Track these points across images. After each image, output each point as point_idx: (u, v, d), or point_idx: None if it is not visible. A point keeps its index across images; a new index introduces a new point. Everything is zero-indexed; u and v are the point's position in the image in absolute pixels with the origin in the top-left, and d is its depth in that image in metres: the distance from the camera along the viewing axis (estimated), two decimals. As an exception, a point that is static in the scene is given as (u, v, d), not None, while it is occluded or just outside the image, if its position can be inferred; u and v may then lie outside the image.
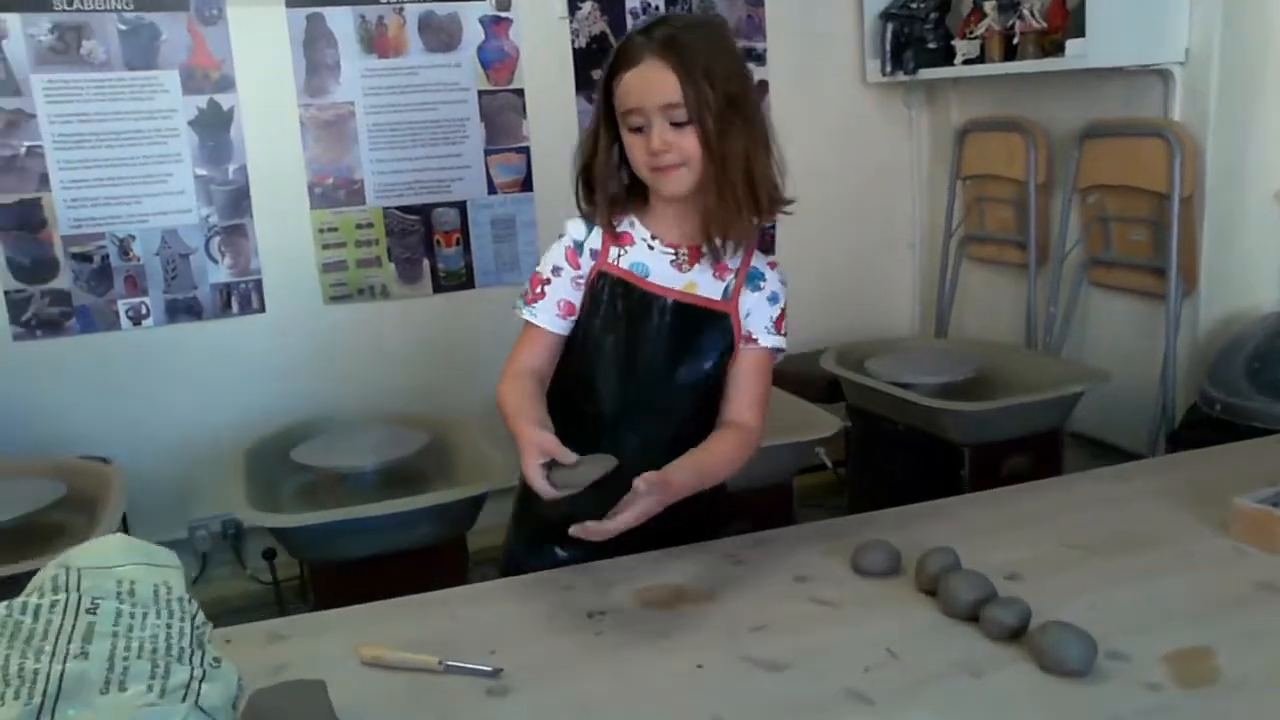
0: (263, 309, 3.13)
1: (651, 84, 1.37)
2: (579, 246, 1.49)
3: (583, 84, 3.28)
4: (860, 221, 3.72)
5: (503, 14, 3.18)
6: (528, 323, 1.50)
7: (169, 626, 0.83)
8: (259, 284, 3.12)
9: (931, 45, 3.32)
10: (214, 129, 3.00)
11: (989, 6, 3.07)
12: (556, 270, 1.49)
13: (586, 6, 3.27)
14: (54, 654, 0.77)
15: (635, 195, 1.50)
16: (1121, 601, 1.26)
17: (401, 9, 3.09)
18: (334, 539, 2.10)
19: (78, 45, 2.83)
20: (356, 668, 1.20)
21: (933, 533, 1.46)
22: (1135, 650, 1.15)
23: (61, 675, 0.76)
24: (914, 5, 3.34)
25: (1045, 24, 2.91)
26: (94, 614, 0.82)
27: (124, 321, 3.00)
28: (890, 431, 2.89)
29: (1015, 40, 2.99)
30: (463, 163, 3.21)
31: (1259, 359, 2.45)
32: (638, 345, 1.47)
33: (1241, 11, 2.57)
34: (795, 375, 3.28)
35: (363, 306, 3.19)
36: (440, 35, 3.13)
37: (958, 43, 3.21)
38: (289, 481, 2.57)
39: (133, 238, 2.98)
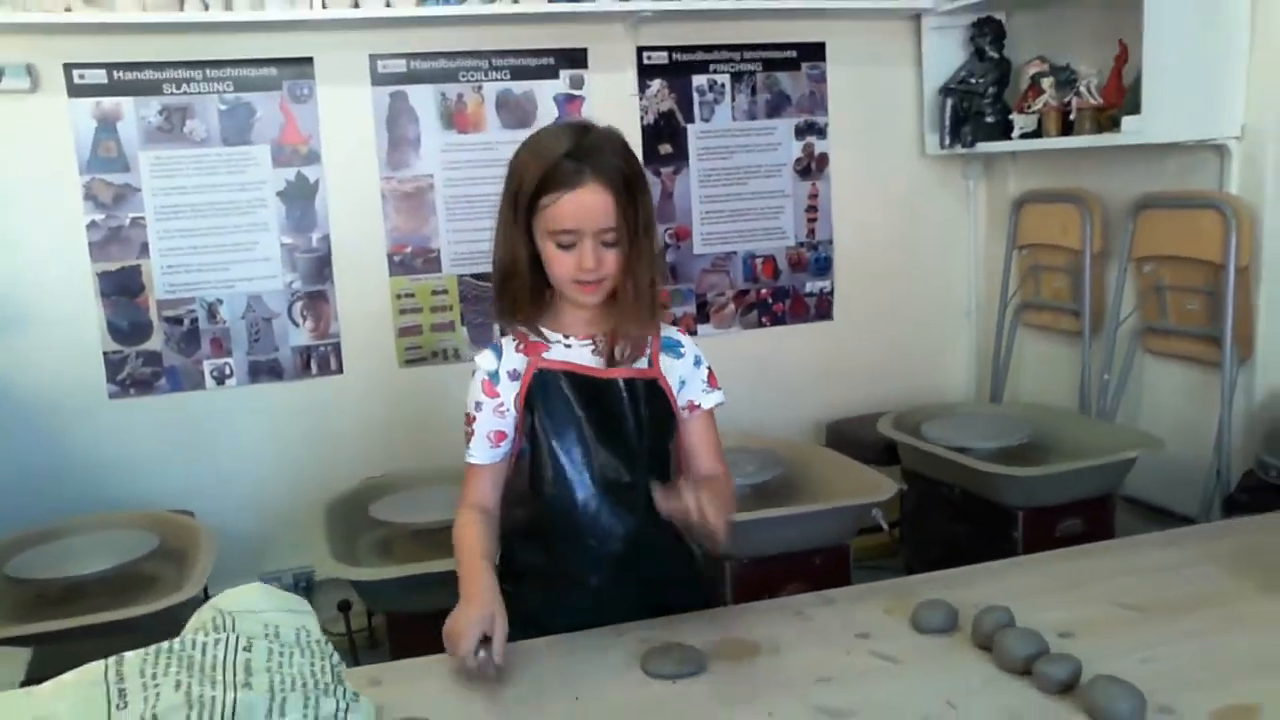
0: (340, 370, 3.28)
1: (592, 209, 1.44)
2: (494, 376, 1.56)
3: (650, 158, 3.42)
4: (918, 289, 3.81)
5: (576, 92, 3.35)
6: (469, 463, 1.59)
7: (313, 664, 0.94)
8: (337, 347, 3.27)
9: (990, 119, 3.40)
10: (300, 200, 3.18)
11: (1047, 83, 3.17)
12: (479, 405, 1.57)
13: (655, 85, 3.43)
14: (225, 684, 0.88)
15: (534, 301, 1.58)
16: (1171, 659, 1.32)
17: (480, 87, 3.27)
18: (411, 592, 2.21)
19: (182, 124, 3.05)
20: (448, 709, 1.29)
21: (989, 592, 1.53)
22: (1183, 706, 1.20)
23: (235, 703, 0.87)
24: (973, 81, 3.45)
25: (1102, 101, 2.99)
26: (249, 652, 0.93)
27: (209, 381, 3.16)
28: (945, 494, 2.94)
29: (1072, 116, 3.08)
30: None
31: (1315, 427, 2.48)
32: (600, 431, 1.54)
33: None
34: (853, 438, 3.35)
35: (436, 369, 3.33)
36: (516, 112, 3.30)
37: (1016, 117, 3.29)
38: (367, 536, 2.68)
39: (220, 302, 3.15)
